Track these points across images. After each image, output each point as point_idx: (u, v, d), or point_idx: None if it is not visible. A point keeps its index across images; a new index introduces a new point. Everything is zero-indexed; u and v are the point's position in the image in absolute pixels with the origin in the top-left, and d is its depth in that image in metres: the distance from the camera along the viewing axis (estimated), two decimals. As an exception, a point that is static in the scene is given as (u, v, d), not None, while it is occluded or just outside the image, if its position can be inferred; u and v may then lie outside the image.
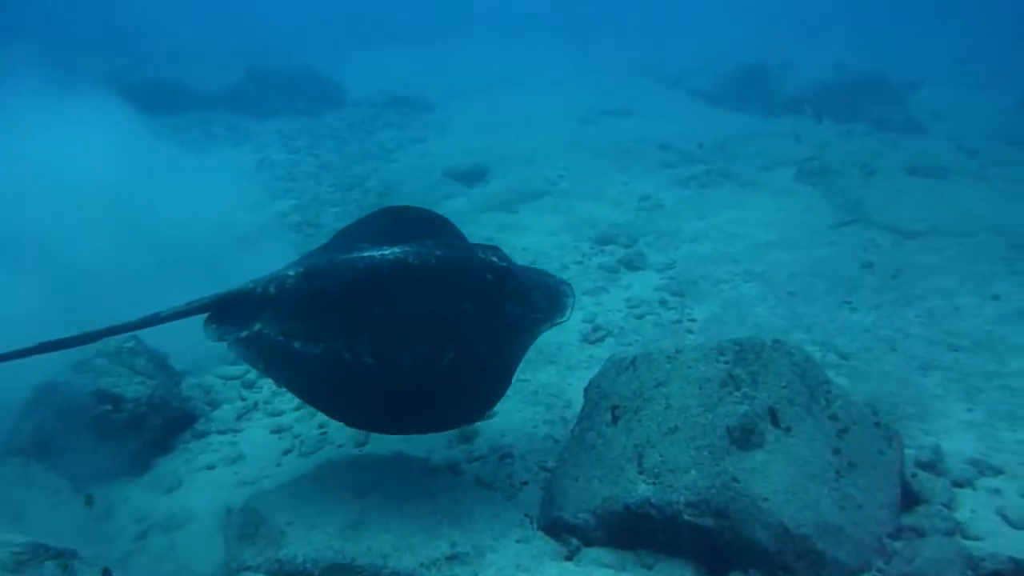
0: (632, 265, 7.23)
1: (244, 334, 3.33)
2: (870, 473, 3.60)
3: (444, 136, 13.46)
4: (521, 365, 5.26)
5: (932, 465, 3.93)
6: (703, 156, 11.42)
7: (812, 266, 6.83)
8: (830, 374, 4.94)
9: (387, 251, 3.60)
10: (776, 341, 3.82)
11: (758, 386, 3.60)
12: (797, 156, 10.72)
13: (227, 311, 3.47)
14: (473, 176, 10.40)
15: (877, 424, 3.86)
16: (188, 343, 5.21)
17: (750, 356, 3.71)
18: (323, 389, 3.23)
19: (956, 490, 3.75)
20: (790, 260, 7.07)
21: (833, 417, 3.70)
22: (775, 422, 3.50)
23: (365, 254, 3.60)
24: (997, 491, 3.70)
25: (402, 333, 3.31)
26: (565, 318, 3.68)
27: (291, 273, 3.52)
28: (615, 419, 3.83)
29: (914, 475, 3.86)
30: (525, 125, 13.91)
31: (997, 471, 3.84)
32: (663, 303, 6.37)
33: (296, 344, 3.23)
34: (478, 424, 4.52)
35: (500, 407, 4.71)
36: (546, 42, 25.34)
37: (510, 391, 4.92)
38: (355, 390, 3.21)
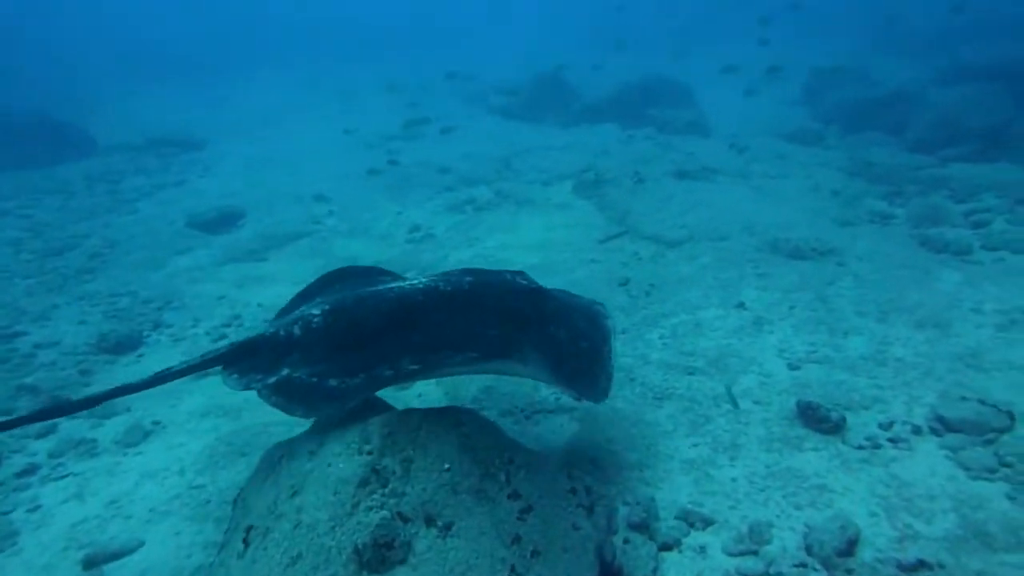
0: (378, 312, 6.53)
1: (272, 380, 3.13)
2: (560, 558, 3.10)
3: (207, 178, 12.22)
4: (200, 463, 4.47)
5: (644, 526, 3.51)
6: (483, 176, 11.09)
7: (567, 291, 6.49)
8: (561, 421, 4.55)
9: (414, 280, 3.54)
10: (442, 411, 3.24)
11: (410, 478, 2.97)
12: (578, 167, 10.66)
13: (246, 359, 3.27)
14: (221, 222, 9.31)
15: (573, 491, 3.40)
16: None
17: (401, 439, 3.08)
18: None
19: (663, 555, 3.34)
20: (546, 286, 6.70)
21: (514, 495, 3.16)
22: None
23: (392, 285, 3.50)
24: (702, 549, 3.33)
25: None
26: (612, 351, 3.48)
27: (316, 312, 3.35)
28: (246, 546, 3.06)
29: (626, 541, 3.43)
30: (303, 159, 13.02)
31: (708, 522, 3.49)
32: (402, 355, 5.71)
33: (332, 382, 3.06)
34: (110, 566, 3.57)
35: (149, 534, 3.82)
36: (347, 67, 24.60)
37: (175, 505, 4.10)
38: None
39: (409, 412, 3.18)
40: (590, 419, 4.49)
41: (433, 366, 3.07)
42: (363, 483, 2.94)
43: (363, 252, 8.24)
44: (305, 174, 11.95)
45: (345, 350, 3.16)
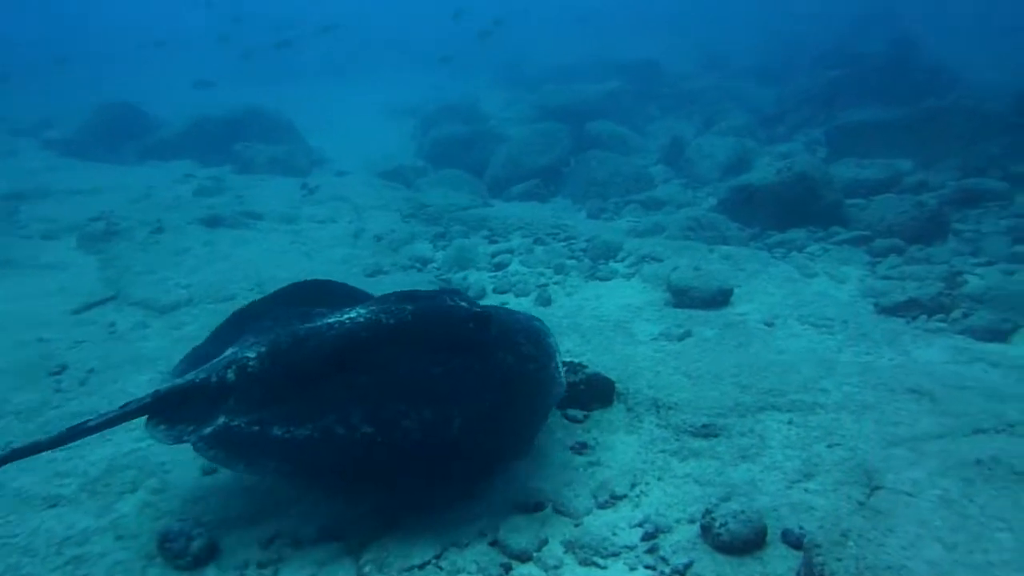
0: None
1: (208, 430, 2.98)
2: None
3: None
4: None
5: None
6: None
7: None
8: None
9: (353, 314, 3.48)
10: None
11: None
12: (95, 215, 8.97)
13: (175, 408, 3.13)
14: None
15: None
16: None
17: None
18: (325, 469, 2.94)
19: None
20: None
21: None
22: None
23: (331, 320, 3.45)
24: None
25: (398, 401, 3.05)
26: (560, 366, 3.53)
27: (251, 355, 3.25)
28: None
29: None
30: None
31: None
32: None
33: (276, 431, 2.90)
34: None
35: None
36: None
37: None
38: (362, 461, 2.91)
39: None
40: None
41: (386, 429, 2.94)
42: None
43: None
44: None
45: (287, 396, 3.05)
